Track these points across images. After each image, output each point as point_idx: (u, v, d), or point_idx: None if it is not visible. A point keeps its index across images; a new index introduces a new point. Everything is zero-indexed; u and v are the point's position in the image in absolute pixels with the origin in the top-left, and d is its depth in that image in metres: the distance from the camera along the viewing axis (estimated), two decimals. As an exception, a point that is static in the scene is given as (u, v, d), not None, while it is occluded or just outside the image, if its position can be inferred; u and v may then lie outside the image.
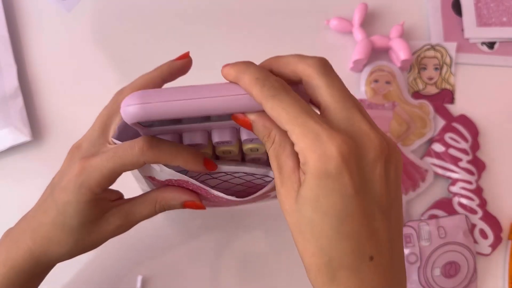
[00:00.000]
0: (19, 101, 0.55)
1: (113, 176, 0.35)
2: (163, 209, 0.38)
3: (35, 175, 0.54)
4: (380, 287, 0.28)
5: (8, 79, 0.55)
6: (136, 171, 0.39)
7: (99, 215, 0.37)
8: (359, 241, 0.27)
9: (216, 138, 0.34)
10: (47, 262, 0.38)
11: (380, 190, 0.28)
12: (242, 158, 0.37)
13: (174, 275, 0.51)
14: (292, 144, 0.29)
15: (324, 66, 0.32)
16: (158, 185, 0.39)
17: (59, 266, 0.51)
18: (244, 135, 0.34)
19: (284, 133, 0.29)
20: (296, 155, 0.29)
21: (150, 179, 0.39)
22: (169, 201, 0.38)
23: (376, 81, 0.56)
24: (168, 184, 0.38)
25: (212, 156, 0.36)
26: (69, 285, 0.51)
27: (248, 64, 0.34)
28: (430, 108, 0.55)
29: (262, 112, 0.30)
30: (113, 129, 0.36)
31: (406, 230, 0.50)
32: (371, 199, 0.28)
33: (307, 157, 0.27)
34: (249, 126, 0.31)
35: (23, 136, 0.54)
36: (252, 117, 0.31)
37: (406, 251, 0.50)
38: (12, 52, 0.56)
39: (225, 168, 0.36)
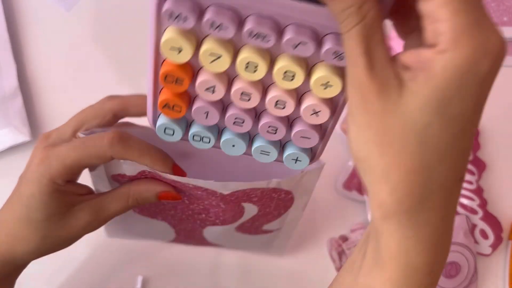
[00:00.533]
0: (19, 101, 0.55)
1: (77, 168, 0.34)
2: (136, 202, 0.36)
3: (35, 175, 0.54)
4: (454, 210, 0.26)
5: (7, 79, 0.56)
6: (101, 171, 0.37)
7: (65, 209, 0.35)
8: (463, 159, 0.24)
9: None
10: (14, 261, 0.36)
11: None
12: None
13: (174, 275, 0.51)
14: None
15: None
16: (128, 181, 0.37)
17: (58, 265, 0.51)
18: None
19: (380, 13, 0.21)
20: (388, 48, 0.22)
21: (118, 177, 0.37)
22: (143, 193, 0.36)
23: None
24: (140, 177, 0.36)
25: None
26: (69, 285, 0.51)
27: None
28: None
29: None
30: (86, 128, 0.35)
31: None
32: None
33: (457, 41, 0.20)
34: None
35: (23, 136, 0.54)
36: None
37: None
38: (11, 52, 0.56)
39: (194, 182, 0.34)
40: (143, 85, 0.59)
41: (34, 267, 0.51)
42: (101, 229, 0.53)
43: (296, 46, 0.24)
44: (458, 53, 0.21)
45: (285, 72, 0.26)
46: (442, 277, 0.50)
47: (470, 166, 0.53)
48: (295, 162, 0.31)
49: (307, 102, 0.28)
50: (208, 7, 0.24)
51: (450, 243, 0.27)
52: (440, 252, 0.26)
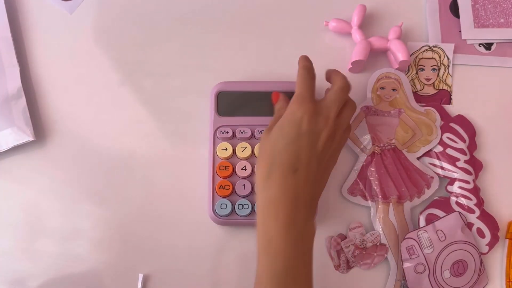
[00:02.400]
0: (22, 101, 0.55)
1: None
2: None
3: (38, 174, 0.55)
4: (294, 190, 0.43)
5: (11, 80, 0.56)
6: None
7: None
8: (295, 158, 0.44)
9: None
10: None
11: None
12: None
13: (175, 274, 0.52)
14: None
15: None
16: None
17: (58, 264, 0.52)
18: None
19: (286, 105, 0.47)
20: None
21: None
22: None
23: (382, 88, 0.56)
24: None
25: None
26: (71, 283, 0.51)
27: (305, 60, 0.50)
28: (436, 115, 0.56)
29: (287, 100, 0.49)
30: None
31: (407, 243, 0.51)
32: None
33: (287, 108, 0.46)
34: (277, 99, 0.50)
35: (26, 136, 0.54)
36: (281, 96, 0.50)
37: (412, 262, 0.50)
38: (15, 53, 0.57)
39: None
40: (145, 86, 0.60)
41: (35, 265, 0.52)
42: (102, 229, 0.53)
43: None
44: (286, 111, 0.46)
45: None
46: (453, 278, 0.50)
47: (467, 166, 0.54)
48: None
49: None
50: (236, 128, 0.53)
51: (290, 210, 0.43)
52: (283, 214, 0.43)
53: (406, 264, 0.50)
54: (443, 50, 0.59)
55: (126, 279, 0.51)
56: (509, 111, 0.58)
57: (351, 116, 0.49)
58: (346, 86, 0.48)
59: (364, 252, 0.52)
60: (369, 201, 0.53)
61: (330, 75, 0.50)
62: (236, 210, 0.51)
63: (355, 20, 0.58)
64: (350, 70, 0.58)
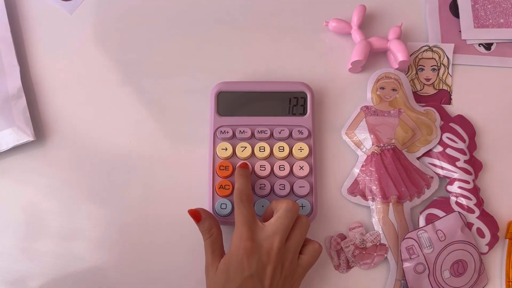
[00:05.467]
0: (22, 101, 0.55)
1: None
2: None
3: (38, 174, 0.55)
4: None
5: (11, 80, 0.56)
6: None
7: None
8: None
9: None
10: None
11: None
12: None
13: (175, 274, 0.52)
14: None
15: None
16: None
17: (57, 264, 0.52)
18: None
19: (220, 232, 0.47)
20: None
21: None
22: None
23: (382, 88, 0.56)
24: None
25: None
26: (71, 283, 0.51)
27: (244, 176, 0.50)
28: (436, 115, 0.56)
29: (210, 214, 0.48)
30: None
31: (407, 243, 0.51)
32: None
33: (230, 246, 0.45)
34: (199, 220, 0.47)
35: (26, 136, 0.54)
36: (203, 215, 0.47)
37: (412, 262, 0.50)
38: (15, 53, 0.57)
39: None
40: (145, 86, 0.60)
41: (35, 265, 0.52)
42: (102, 229, 0.53)
43: (279, 136, 0.54)
44: (231, 246, 0.46)
45: (279, 147, 0.53)
46: (453, 278, 0.50)
47: (467, 166, 0.54)
48: (302, 208, 0.51)
49: (295, 164, 0.53)
50: (236, 128, 0.53)
51: None
52: None
53: (406, 264, 0.50)
54: (443, 50, 0.59)
55: (126, 279, 0.51)
56: (509, 111, 0.58)
57: (302, 236, 0.46)
58: (291, 208, 0.45)
59: (364, 252, 0.52)
60: (369, 201, 0.53)
61: (274, 205, 0.47)
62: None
63: (355, 20, 0.58)
64: (350, 70, 0.58)
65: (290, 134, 0.54)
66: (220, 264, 0.45)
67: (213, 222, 0.47)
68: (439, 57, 0.59)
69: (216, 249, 0.46)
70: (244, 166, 0.51)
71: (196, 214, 0.47)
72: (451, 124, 0.56)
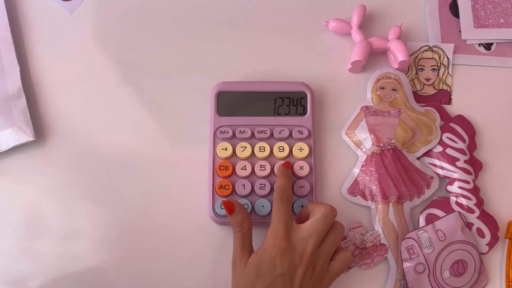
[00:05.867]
0: (22, 101, 0.55)
1: None
2: None
3: (38, 174, 0.55)
4: None
5: (11, 80, 0.56)
6: None
7: None
8: None
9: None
10: None
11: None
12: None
13: (175, 273, 0.52)
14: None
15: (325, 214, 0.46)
16: None
17: (57, 264, 0.52)
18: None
19: (250, 227, 0.47)
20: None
21: None
22: None
23: (382, 88, 0.56)
24: None
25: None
26: (71, 283, 0.51)
27: (287, 175, 0.50)
28: (436, 115, 0.56)
29: (243, 208, 0.47)
30: None
31: (407, 243, 0.51)
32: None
33: (264, 243, 0.45)
34: (232, 212, 0.46)
35: (26, 136, 0.54)
36: (237, 208, 0.46)
37: (412, 262, 0.50)
38: (15, 53, 0.57)
39: None
40: (145, 86, 0.60)
41: (35, 265, 0.52)
42: (102, 229, 0.53)
43: (279, 136, 0.54)
44: (263, 247, 0.46)
45: (279, 147, 0.53)
46: (453, 278, 0.50)
47: (467, 166, 0.54)
48: (302, 208, 0.50)
49: (295, 164, 0.53)
50: (236, 128, 0.53)
51: None
52: None
53: (406, 264, 0.50)
54: (443, 50, 0.59)
55: (126, 279, 0.51)
56: (509, 111, 0.58)
57: (336, 242, 0.46)
58: (329, 213, 0.46)
59: (364, 252, 0.52)
60: (369, 201, 0.53)
61: (311, 207, 0.47)
62: None
63: (355, 20, 0.58)
64: (350, 70, 0.58)
65: (290, 134, 0.54)
66: (250, 259, 0.45)
67: (246, 216, 0.47)
68: (439, 57, 0.59)
69: (245, 243, 0.46)
70: (287, 165, 0.51)
71: (230, 206, 0.46)
72: (451, 124, 0.56)
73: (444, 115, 0.56)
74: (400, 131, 0.55)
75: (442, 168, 0.54)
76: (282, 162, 0.52)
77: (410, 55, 0.59)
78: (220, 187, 0.51)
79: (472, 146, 0.56)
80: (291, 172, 0.51)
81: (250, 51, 0.59)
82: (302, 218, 0.48)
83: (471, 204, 0.53)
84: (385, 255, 0.52)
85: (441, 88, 0.58)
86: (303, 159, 0.53)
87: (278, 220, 0.45)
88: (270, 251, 0.44)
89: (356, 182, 0.54)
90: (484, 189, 0.55)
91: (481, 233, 0.52)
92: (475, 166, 0.55)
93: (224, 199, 0.51)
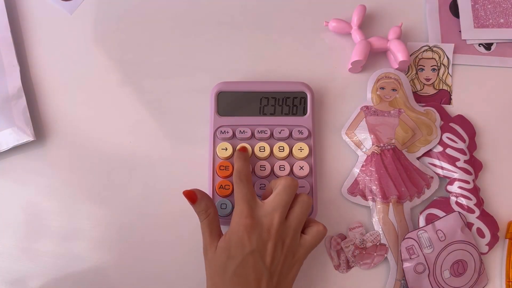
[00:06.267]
0: (22, 101, 0.55)
1: None
2: None
3: (38, 174, 0.55)
4: None
5: (11, 80, 0.56)
6: None
7: None
8: (244, 281, 0.43)
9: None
10: None
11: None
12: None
13: (175, 273, 0.52)
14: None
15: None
16: None
17: (57, 264, 0.52)
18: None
19: (216, 212, 0.47)
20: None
21: None
22: None
23: (382, 88, 0.56)
24: None
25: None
26: (71, 283, 0.51)
27: (242, 158, 0.50)
28: (436, 115, 0.56)
29: (206, 195, 0.47)
30: None
31: (407, 243, 0.51)
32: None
33: (230, 225, 0.45)
34: (195, 201, 0.46)
35: (26, 136, 0.54)
36: (199, 196, 0.46)
37: (412, 262, 0.50)
38: (15, 53, 0.57)
39: None
40: (145, 86, 0.60)
41: (35, 265, 0.52)
42: (102, 229, 0.53)
43: (279, 136, 0.54)
44: (231, 224, 0.46)
45: (279, 147, 0.53)
46: (453, 278, 0.50)
47: (467, 166, 0.54)
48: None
49: (295, 164, 0.53)
50: (236, 127, 0.54)
51: None
52: None
53: (406, 264, 0.50)
54: (443, 50, 0.59)
55: (126, 279, 0.51)
56: (509, 111, 0.58)
57: (303, 214, 0.46)
58: (290, 184, 0.46)
59: (364, 252, 0.52)
60: (369, 201, 0.53)
61: (273, 183, 0.48)
62: None
63: (355, 20, 0.58)
64: (350, 70, 0.58)
65: (290, 134, 0.54)
66: (219, 242, 0.45)
67: (209, 202, 0.46)
68: (439, 57, 0.59)
69: (213, 229, 0.46)
70: (243, 149, 0.51)
71: (191, 195, 0.46)
72: (451, 124, 0.56)
73: (444, 115, 0.56)
74: (400, 131, 0.55)
75: (442, 168, 0.54)
76: (282, 162, 0.52)
77: (410, 55, 0.59)
78: (220, 187, 0.51)
79: (472, 146, 0.56)
80: (248, 155, 0.50)
81: (250, 51, 0.59)
82: (266, 196, 0.47)
83: (471, 204, 0.53)
84: (385, 255, 0.52)
85: (441, 88, 0.58)
86: (303, 159, 0.53)
87: (241, 200, 0.45)
88: (237, 231, 0.44)
89: (356, 182, 0.54)
90: (484, 189, 0.55)
91: (481, 233, 0.52)
92: (475, 166, 0.55)
93: (224, 199, 0.51)
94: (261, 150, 0.52)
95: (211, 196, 0.51)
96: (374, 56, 0.59)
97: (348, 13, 0.59)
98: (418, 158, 0.55)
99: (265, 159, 0.53)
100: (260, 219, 0.44)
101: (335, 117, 0.57)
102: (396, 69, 0.57)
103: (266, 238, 0.44)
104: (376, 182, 0.53)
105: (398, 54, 0.56)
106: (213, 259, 0.44)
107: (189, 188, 0.53)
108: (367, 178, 0.54)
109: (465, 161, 0.54)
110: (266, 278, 0.43)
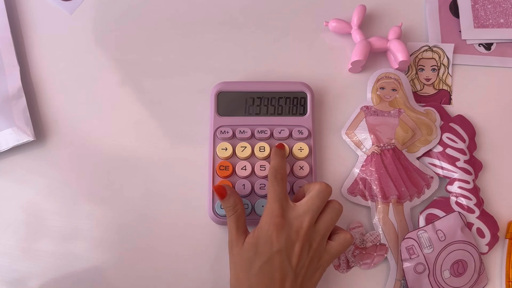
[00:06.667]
0: (22, 101, 0.55)
1: None
2: None
3: (38, 174, 0.55)
4: None
5: (11, 80, 0.56)
6: None
7: None
8: (269, 279, 0.43)
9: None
10: None
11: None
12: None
13: (175, 273, 0.52)
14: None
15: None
16: None
17: (57, 264, 0.52)
18: None
19: (243, 209, 0.47)
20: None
21: None
22: None
23: (382, 88, 0.56)
24: None
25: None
26: (71, 283, 0.51)
27: (280, 155, 0.50)
28: (436, 115, 0.56)
29: (234, 191, 0.48)
30: None
31: (407, 243, 0.51)
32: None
33: (260, 222, 0.45)
34: (224, 196, 0.47)
35: (26, 136, 0.54)
36: (229, 192, 0.47)
37: (412, 262, 0.50)
38: (15, 53, 0.57)
39: None
40: (145, 86, 0.60)
41: (35, 265, 0.52)
42: (102, 229, 0.53)
43: (279, 136, 0.53)
44: (259, 226, 0.46)
45: None
46: (453, 278, 0.50)
47: (467, 166, 0.54)
48: None
49: (295, 164, 0.53)
50: (236, 127, 0.53)
51: None
52: None
53: (406, 264, 0.50)
54: (443, 50, 0.59)
55: (126, 279, 0.51)
56: (509, 111, 0.58)
57: (333, 220, 0.46)
58: (324, 190, 0.46)
59: (364, 252, 0.52)
60: (369, 201, 0.53)
61: (307, 186, 0.48)
62: None
63: (355, 20, 0.58)
64: (350, 70, 0.58)
65: (290, 134, 0.54)
66: (248, 238, 0.45)
67: (237, 199, 0.47)
68: (439, 57, 0.59)
69: (240, 225, 0.46)
70: (280, 146, 0.51)
71: (221, 190, 0.47)
72: (451, 124, 0.56)
73: (444, 115, 0.56)
74: (400, 131, 0.55)
75: (442, 168, 0.54)
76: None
77: (410, 55, 0.59)
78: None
79: (472, 146, 0.56)
80: (285, 152, 0.51)
81: (250, 51, 0.59)
82: (299, 198, 0.48)
83: (471, 204, 0.53)
84: (385, 255, 0.52)
85: (441, 88, 0.58)
86: (303, 159, 0.53)
87: (273, 199, 0.45)
88: (267, 229, 0.44)
89: (356, 182, 0.54)
90: (484, 189, 0.55)
91: (481, 233, 0.52)
92: (475, 166, 0.55)
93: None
94: (261, 150, 0.52)
95: (211, 196, 0.51)
96: (374, 56, 0.59)
97: (348, 13, 0.59)
98: (418, 158, 0.55)
99: (265, 159, 0.53)
100: (291, 220, 0.44)
101: (335, 117, 0.57)
102: (396, 69, 0.57)
103: (294, 239, 0.44)
104: (376, 182, 0.53)
105: (398, 54, 0.56)
106: (239, 254, 0.45)
107: (188, 188, 0.54)
108: (367, 178, 0.54)
109: (465, 161, 0.54)
110: (290, 278, 0.43)
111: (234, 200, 0.47)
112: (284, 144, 0.52)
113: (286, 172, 0.49)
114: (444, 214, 0.52)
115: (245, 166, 0.52)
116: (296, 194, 0.50)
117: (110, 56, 0.59)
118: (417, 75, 0.59)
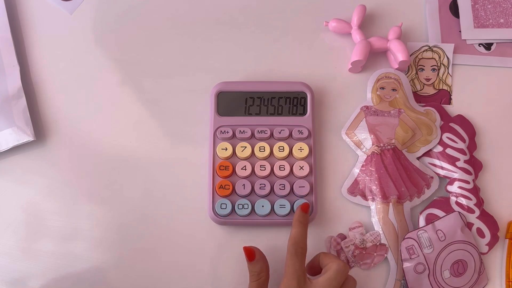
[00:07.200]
0: (22, 101, 0.55)
1: None
2: None
3: (38, 174, 0.55)
4: None
5: (11, 80, 0.56)
6: None
7: None
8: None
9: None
10: None
11: None
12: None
13: (175, 273, 0.52)
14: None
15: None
16: None
17: (57, 264, 0.52)
18: None
19: (268, 277, 0.47)
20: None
21: None
22: None
23: (382, 88, 0.56)
24: None
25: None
26: (71, 283, 0.51)
27: (303, 223, 0.48)
28: (436, 115, 0.56)
29: (263, 257, 0.47)
30: None
31: (407, 243, 0.51)
32: None
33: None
34: (252, 260, 0.46)
35: (26, 136, 0.54)
36: (258, 256, 0.46)
37: (412, 262, 0.50)
38: (15, 53, 0.57)
39: None
40: (145, 86, 0.60)
41: (35, 265, 0.52)
42: (102, 229, 0.53)
43: (279, 136, 0.53)
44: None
45: (279, 147, 0.53)
46: (453, 277, 0.50)
47: (467, 166, 0.54)
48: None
49: (295, 164, 0.52)
50: (236, 127, 0.53)
51: None
52: None
53: (406, 264, 0.50)
54: (443, 50, 0.59)
55: (126, 279, 0.51)
56: (509, 111, 0.58)
57: None
58: (342, 271, 0.45)
59: (364, 252, 0.52)
60: (369, 201, 0.53)
61: (323, 259, 0.47)
62: (236, 210, 0.51)
63: (355, 20, 0.58)
64: (350, 70, 0.58)
65: (290, 134, 0.54)
66: None
67: (265, 265, 0.47)
68: (439, 57, 0.59)
69: None
70: (305, 209, 0.49)
71: (251, 253, 0.46)
72: (451, 124, 0.56)
73: (444, 115, 0.56)
74: (400, 131, 0.55)
75: (442, 168, 0.54)
76: (282, 162, 0.52)
77: (410, 55, 0.59)
78: (220, 187, 0.51)
79: (472, 146, 0.56)
80: (308, 218, 0.49)
81: (250, 51, 0.59)
82: (313, 268, 0.48)
83: (471, 204, 0.53)
84: (385, 255, 0.52)
85: (441, 88, 0.58)
86: (303, 159, 0.53)
87: (291, 275, 0.44)
88: None
89: (356, 182, 0.54)
90: (484, 189, 0.55)
91: (481, 233, 0.52)
92: (475, 166, 0.55)
93: (224, 199, 0.51)
94: (261, 150, 0.52)
95: (211, 196, 0.51)
96: (374, 56, 0.59)
97: (348, 13, 0.59)
98: (418, 158, 0.55)
99: (265, 159, 0.53)
100: None
101: (335, 117, 0.57)
102: (396, 69, 0.57)
103: None
104: (376, 182, 0.53)
105: (398, 54, 0.56)
106: None
107: (188, 188, 0.53)
108: (367, 178, 0.54)
109: (465, 161, 0.54)
110: None
111: (261, 267, 0.46)
112: (309, 204, 0.49)
113: (306, 244, 0.47)
114: (444, 214, 0.52)
115: (245, 166, 0.52)
116: (309, 263, 0.49)
117: (110, 56, 0.59)
118: (417, 75, 0.59)
